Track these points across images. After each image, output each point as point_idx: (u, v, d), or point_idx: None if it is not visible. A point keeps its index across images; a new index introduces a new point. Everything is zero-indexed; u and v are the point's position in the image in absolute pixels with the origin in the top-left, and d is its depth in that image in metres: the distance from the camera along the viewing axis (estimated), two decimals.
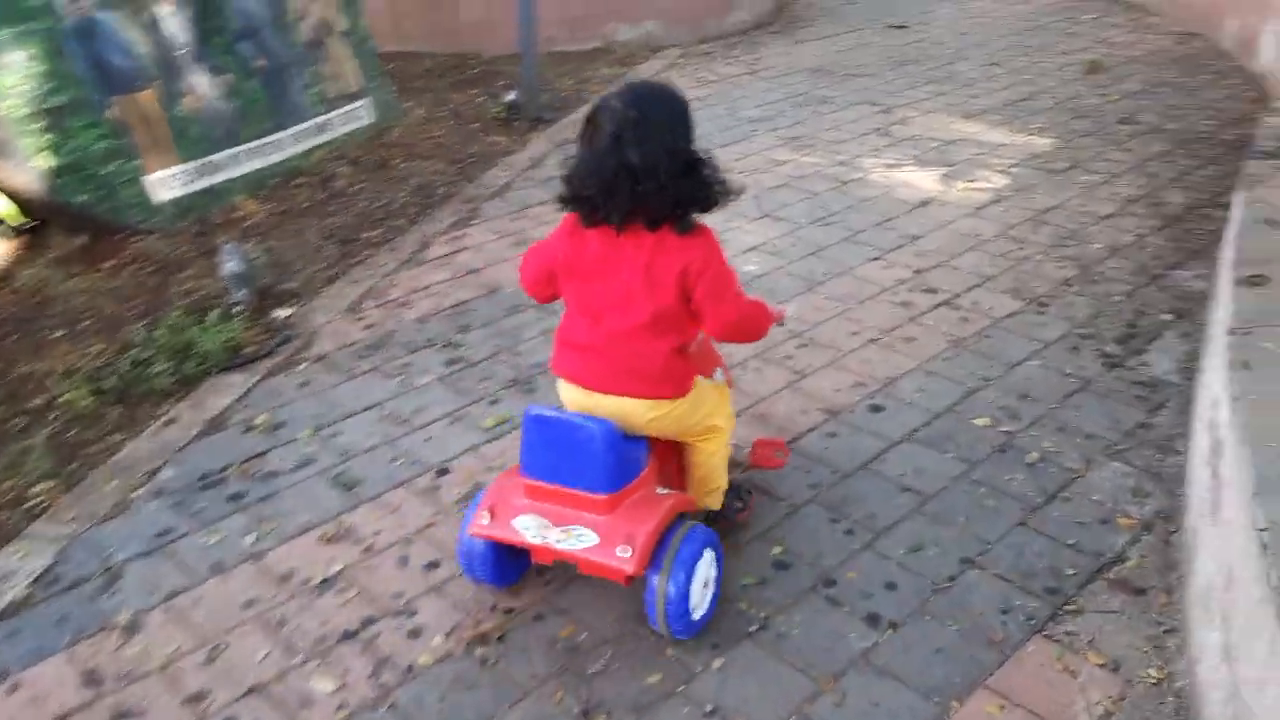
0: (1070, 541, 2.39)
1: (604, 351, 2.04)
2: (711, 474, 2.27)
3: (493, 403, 3.06)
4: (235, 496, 2.68)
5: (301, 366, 3.30)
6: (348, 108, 5.04)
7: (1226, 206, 4.15)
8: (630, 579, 2.03)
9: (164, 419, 3.03)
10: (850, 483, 2.63)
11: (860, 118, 5.62)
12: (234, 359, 3.29)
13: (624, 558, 1.97)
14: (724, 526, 2.36)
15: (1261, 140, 3.12)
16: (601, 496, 2.01)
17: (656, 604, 2.02)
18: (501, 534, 2.08)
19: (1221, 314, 2.39)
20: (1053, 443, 2.75)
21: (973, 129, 5.34)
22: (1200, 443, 2.24)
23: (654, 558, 2.02)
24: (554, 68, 6.62)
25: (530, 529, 2.05)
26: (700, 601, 2.09)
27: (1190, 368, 3.06)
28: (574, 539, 2.02)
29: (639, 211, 1.91)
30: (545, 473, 2.04)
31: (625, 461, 2.04)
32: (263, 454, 2.85)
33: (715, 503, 2.34)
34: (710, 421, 2.19)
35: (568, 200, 1.98)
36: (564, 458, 2.01)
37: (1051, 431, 2.80)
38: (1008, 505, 2.52)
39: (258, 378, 3.23)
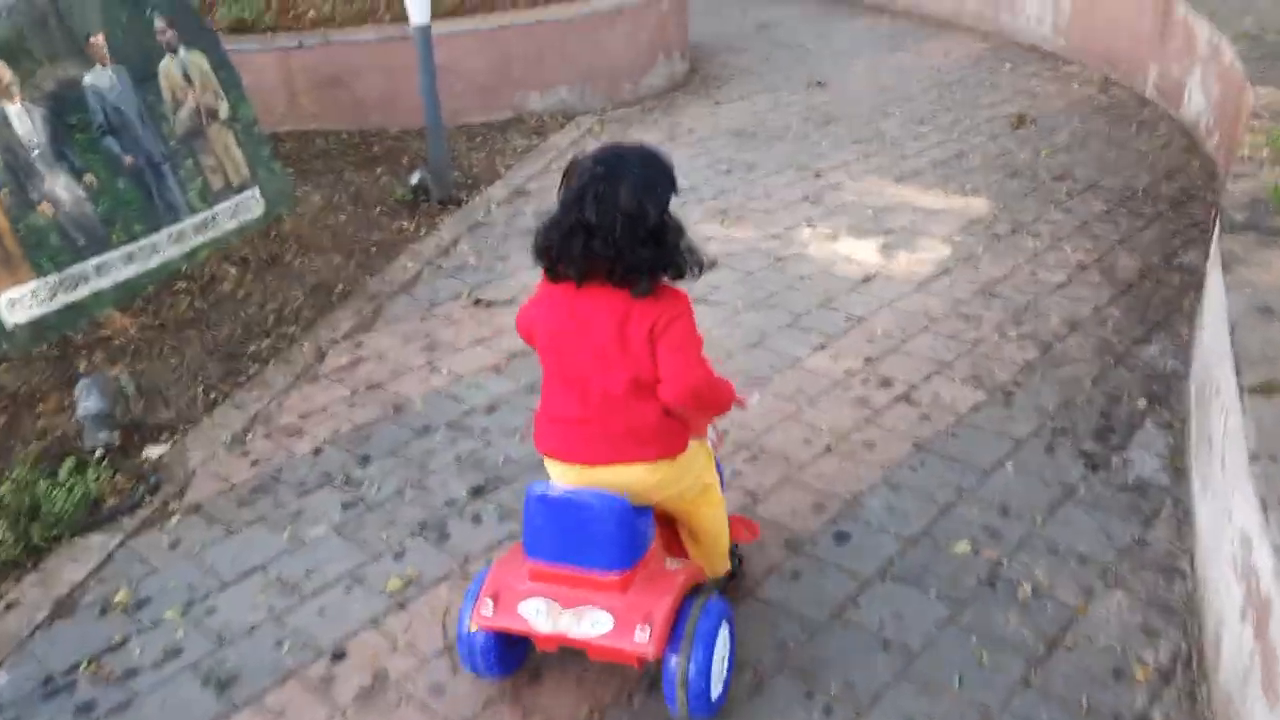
0: (1083, 701, 2.04)
1: (594, 421, 1.96)
2: (720, 534, 2.21)
3: (397, 556, 2.63)
4: (84, 708, 2.20)
5: (173, 520, 2.83)
6: (234, 200, 4.60)
7: (1180, 269, 3.95)
8: (643, 661, 1.94)
9: (2, 602, 2.53)
10: (822, 640, 2.26)
11: (790, 184, 5.37)
12: (91, 517, 2.80)
13: (642, 641, 1.87)
14: (730, 592, 2.26)
15: (1230, 209, 2.89)
16: (614, 575, 1.92)
17: (676, 686, 1.92)
18: (508, 623, 1.96)
19: (1231, 424, 2.10)
20: (1044, 571, 2.43)
21: (907, 193, 5.11)
22: (1229, 590, 1.93)
23: (671, 635, 1.91)
24: (463, 141, 6.27)
25: (540, 615, 1.94)
26: (718, 679, 1.99)
27: (1179, 466, 2.78)
28: (588, 624, 1.91)
29: (597, 269, 1.86)
30: (552, 554, 1.95)
31: (636, 536, 1.96)
32: (121, 644, 2.38)
33: (725, 566, 2.26)
34: (704, 480, 2.13)
35: (536, 252, 1.93)
36: (572, 537, 1.92)
37: (1041, 555, 2.48)
38: (1006, 660, 2.17)
39: (119, 539, 2.75)
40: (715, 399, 2.01)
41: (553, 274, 1.94)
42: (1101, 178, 5.14)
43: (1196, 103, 5.59)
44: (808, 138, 6.22)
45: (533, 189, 5.50)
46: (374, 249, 4.70)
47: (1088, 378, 3.28)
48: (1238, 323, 2.29)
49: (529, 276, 4.30)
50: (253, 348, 3.80)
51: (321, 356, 3.74)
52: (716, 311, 3.91)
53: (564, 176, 1.90)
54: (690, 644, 1.90)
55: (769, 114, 6.84)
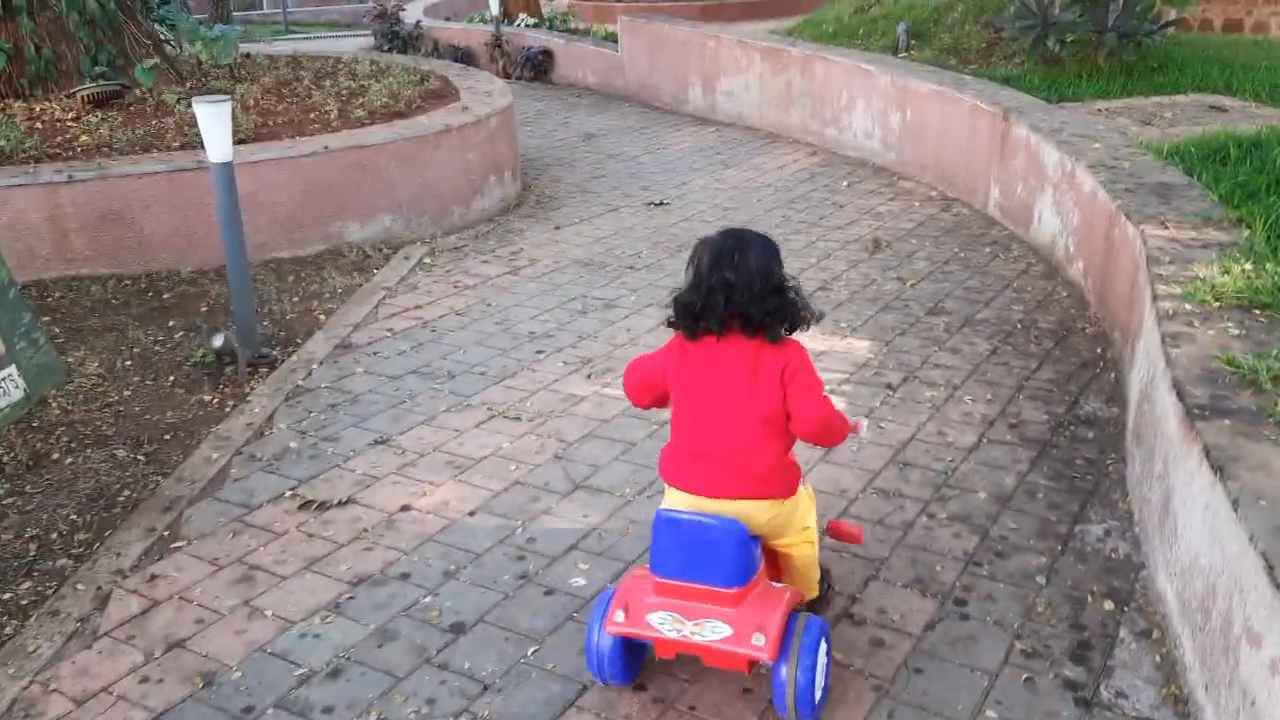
0: None
1: (722, 459, 2.28)
2: (811, 569, 2.52)
3: None
4: None
5: None
6: None
7: (1089, 422, 3.72)
8: (752, 666, 2.30)
9: None
10: None
11: (655, 324, 4.93)
12: None
13: (759, 645, 2.19)
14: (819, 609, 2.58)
15: (1187, 386, 2.62)
16: (732, 590, 2.22)
17: (786, 692, 2.23)
18: (638, 630, 2.27)
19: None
20: None
21: None
22: None
23: (780, 648, 2.21)
24: (272, 282, 5.52)
25: (665, 624, 2.25)
26: (819, 686, 2.29)
27: (1177, 694, 2.41)
28: (709, 631, 2.23)
29: (734, 321, 2.23)
30: (676, 571, 2.24)
31: (750, 557, 2.26)
32: None
33: (815, 591, 2.59)
34: (805, 522, 2.45)
35: (675, 318, 2.31)
36: (695, 556, 2.22)
37: None
38: None
39: None
40: (839, 430, 2.39)
41: (693, 331, 2.29)
42: (975, 310, 4.98)
43: (1049, 225, 5.58)
44: (662, 267, 5.84)
45: (361, 341, 4.81)
46: (168, 435, 3.88)
47: (1040, 573, 2.91)
48: (1270, 550, 1.94)
49: (369, 462, 3.61)
50: (7, 595, 2.93)
51: (103, 602, 2.91)
52: (600, 501, 3.36)
53: (694, 253, 2.30)
54: (797, 654, 2.22)
55: (615, 239, 6.44)
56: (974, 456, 3.57)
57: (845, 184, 7.65)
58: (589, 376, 4.36)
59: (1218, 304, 3.14)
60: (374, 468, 3.63)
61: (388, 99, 7.00)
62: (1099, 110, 6.46)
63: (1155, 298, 3.27)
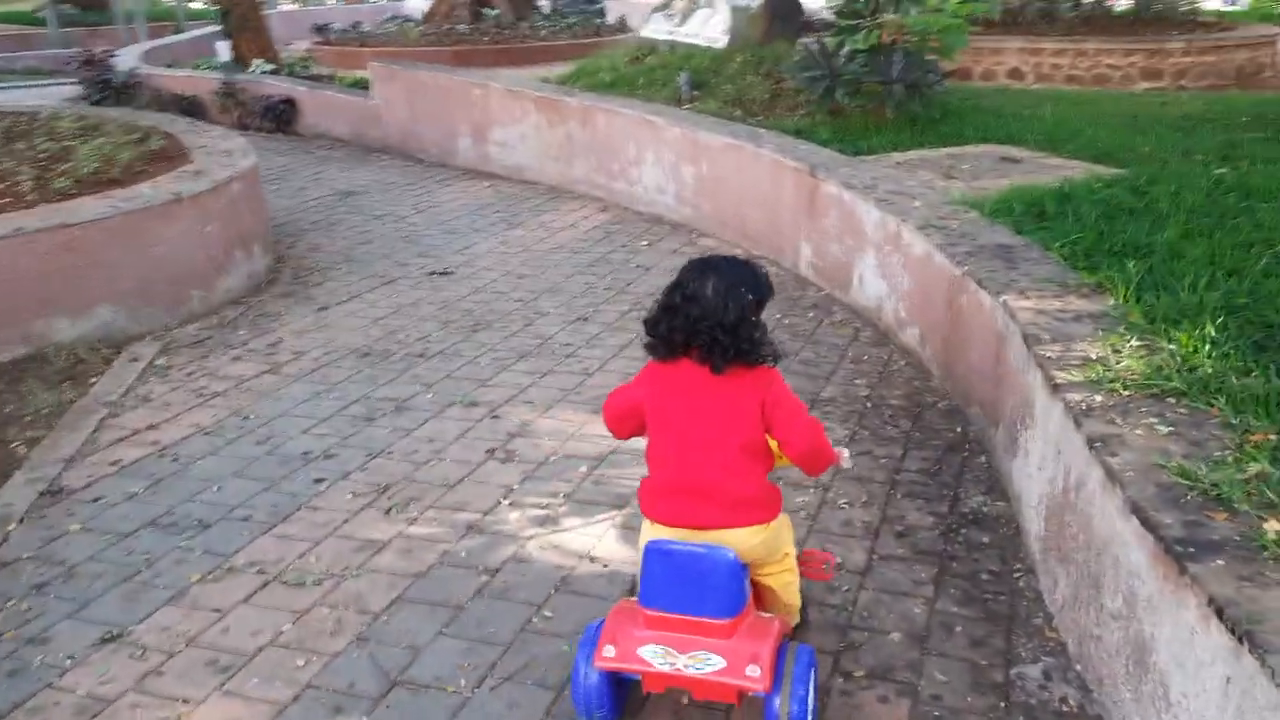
0: None
1: (705, 490, 2.31)
2: (793, 596, 2.59)
3: None
4: None
5: None
6: None
7: (975, 521, 3.35)
8: (742, 697, 2.32)
9: None
10: None
11: (462, 431, 4.20)
12: None
13: (755, 676, 2.21)
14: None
15: (1152, 513, 2.23)
16: (725, 621, 2.24)
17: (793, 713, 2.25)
18: (629, 664, 2.27)
19: None
20: None
21: (585, 446, 4.16)
22: None
23: (773, 679, 2.24)
24: None
25: (657, 657, 2.26)
26: (810, 713, 2.30)
27: None
28: (702, 664, 2.24)
29: (698, 347, 2.29)
30: (668, 603, 2.25)
31: (743, 587, 2.29)
32: None
33: (797, 618, 2.67)
34: (785, 548, 2.52)
35: (657, 339, 2.36)
36: (687, 587, 2.23)
37: None
38: None
39: None
40: (825, 457, 2.45)
41: (670, 354, 2.33)
42: (818, 387, 4.59)
43: (874, 288, 5.33)
44: (458, 354, 5.11)
45: (76, 484, 3.78)
46: None
47: None
48: None
49: (93, 675, 2.66)
50: None
51: None
52: (424, 705, 2.59)
53: (667, 286, 2.39)
54: (789, 684, 2.26)
55: (396, 320, 5.65)
56: (871, 581, 3.09)
57: (645, 243, 7.22)
58: (389, 511, 3.57)
59: (1127, 392, 2.82)
60: (103, 683, 2.69)
61: (100, 164, 5.87)
62: (897, 163, 6.36)
63: (1057, 386, 2.92)
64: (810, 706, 2.31)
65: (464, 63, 13.62)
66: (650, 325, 2.36)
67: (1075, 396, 2.85)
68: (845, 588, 3.06)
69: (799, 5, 9.99)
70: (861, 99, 7.31)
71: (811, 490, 3.65)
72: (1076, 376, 2.96)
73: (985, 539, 3.30)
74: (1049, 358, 3.13)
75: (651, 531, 2.38)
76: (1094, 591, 2.54)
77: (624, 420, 2.47)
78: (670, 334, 2.32)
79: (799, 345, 5.10)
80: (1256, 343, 3.07)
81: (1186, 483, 2.34)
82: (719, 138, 7.14)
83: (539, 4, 20.57)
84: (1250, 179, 5.35)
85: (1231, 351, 2.97)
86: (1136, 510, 2.27)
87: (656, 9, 10.04)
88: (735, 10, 9.00)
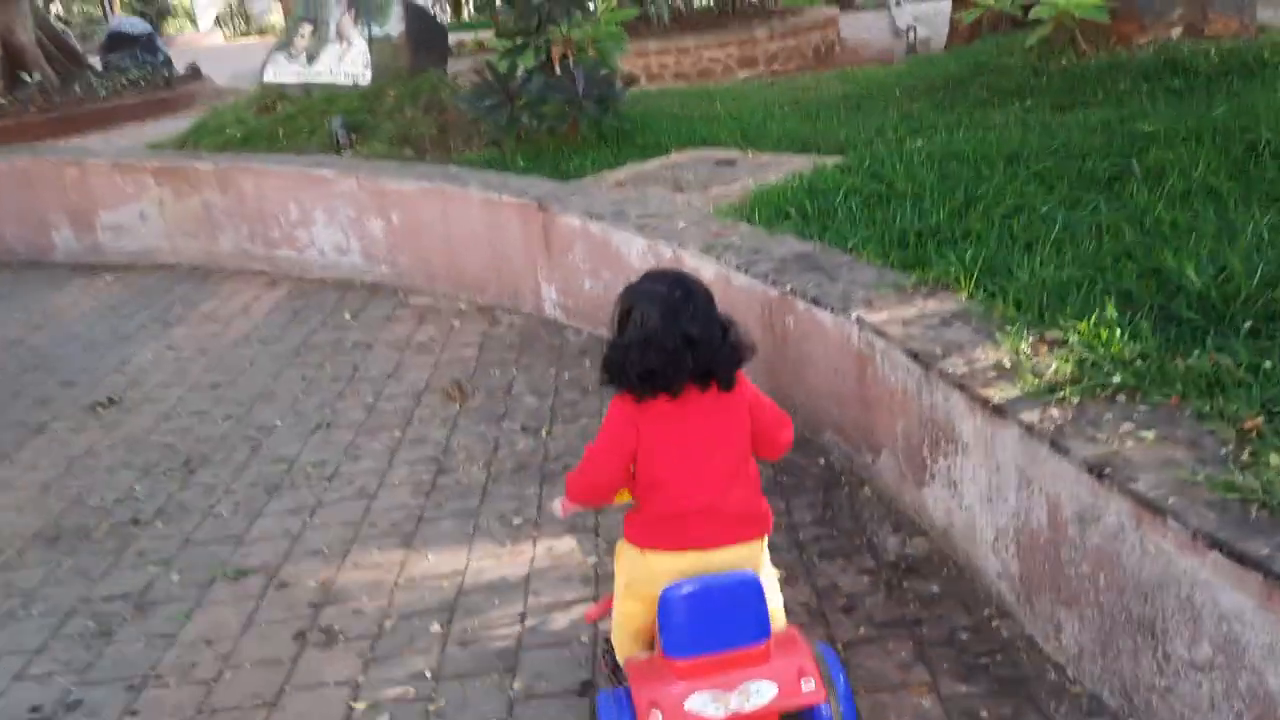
0: None
1: (721, 506, 2.23)
2: (779, 600, 2.43)
3: None
4: None
5: None
6: None
7: (911, 571, 3.05)
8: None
9: None
10: None
11: (246, 618, 3.28)
12: None
13: (813, 690, 2.13)
14: None
15: (1243, 549, 1.99)
16: (762, 645, 2.14)
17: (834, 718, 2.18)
18: None
19: None
20: None
21: (431, 564, 3.42)
22: None
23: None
24: None
25: (710, 705, 2.10)
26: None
27: None
28: (756, 695, 2.11)
29: (694, 376, 2.19)
30: (703, 644, 2.11)
31: (766, 604, 2.17)
32: None
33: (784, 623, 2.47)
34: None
35: (623, 380, 2.21)
36: (721, 621, 2.11)
37: None
38: None
39: None
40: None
41: (645, 393, 2.20)
42: None
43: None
44: (184, 508, 4.06)
45: None
46: None
47: None
48: None
49: None
50: None
51: None
52: None
53: (625, 311, 2.24)
54: (830, 685, 2.18)
55: (74, 480, 4.43)
56: (856, 682, 2.66)
57: (348, 316, 6.33)
58: None
59: (1076, 399, 2.62)
60: None
61: None
62: (618, 183, 6.02)
63: (998, 408, 2.66)
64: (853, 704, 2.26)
65: (9, 139, 11.43)
66: (647, 375, 2.17)
67: (1030, 416, 2.59)
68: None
69: (443, 30, 9.41)
70: (551, 121, 6.90)
71: None
72: (1011, 391, 2.72)
73: (934, 588, 3.00)
74: (958, 374, 2.88)
75: (657, 562, 2.26)
76: (1146, 639, 2.29)
77: (619, 479, 2.28)
78: (678, 371, 2.17)
79: (596, 402, 4.57)
80: (1153, 314, 3.00)
81: (1234, 495, 2.13)
82: (410, 183, 6.42)
83: (88, 61, 18.05)
84: (955, 146, 5.57)
85: (1140, 330, 2.87)
86: (1217, 544, 2.02)
87: (276, 49, 8.97)
88: (375, 42, 8.23)
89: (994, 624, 2.80)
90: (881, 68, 10.56)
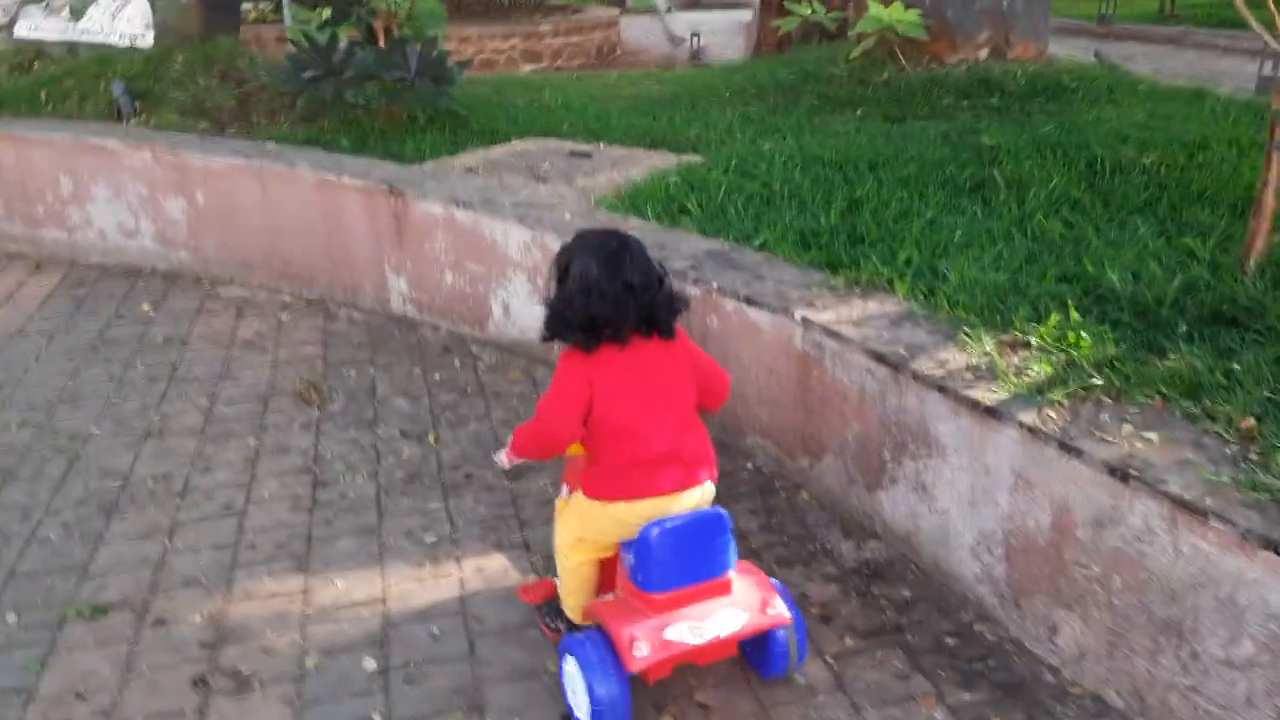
0: None
1: (679, 452, 2.39)
2: None
3: None
4: None
5: None
6: None
7: (875, 576, 3.03)
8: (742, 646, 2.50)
9: None
10: None
11: (124, 666, 2.75)
12: None
13: (781, 611, 2.39)
14: None
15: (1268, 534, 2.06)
16: (728, 576, 2.39)
17: (791, 646, 2.47)
18: (667, 653, 2.27)
19: None
20: None
21: (332, 596, 3.05)
22: None
23: None
24: None
25: (686, 634, 2.29)
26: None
27: None
28: (728, 621, 2.33)
29: (639, 324, 2.34)
30: (679, 578, 2.31)
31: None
32: None
33: None
34: None
35: (570, 331, 2.34)
36: (695, 555, 2.32)
37: None
38: None
39: None
40: None
41: (597, 342, 2.33)
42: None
43: (530, 319, 4.68)
44: (1, 534, 3.39)
45: None
46: None
47: None
48: None
49: None
50: None
51: None
52: None
53: (564, 262, 2.38)
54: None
55: None
56: (860, 696, 2.58)
57: (146, 307, 5.61)
58: None
59: (1066, 402, 2.67)
60: None
61: None
62: (468, 169, 5.69)
63: (990, 410, 2.67)
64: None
65: None
66: (589, 321, 2.30)
67: (1027, 418, 2.60)
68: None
69: None
70: (378, 99, 6.43)
71: None
72: (998, 393, 2.73)
73: (906, 593, 2.96)
74: (934, 375, 2.86)
75: (622, 510, 2.37)
76: (1169, 639, 2.33)
77: (574, 432, 2.39)
78: (622, 317, 2.30)
79: (479, 407, 4.26)
80: (1111, 318, 3.11)
81: (1264, 495, 2.21)
82: (221, 159, 5.78)
83: None
84: (812, 150, 5.68)
85: (1102, 334, 2.96)
86: (1270, 544, 2.08)
87: (27, 1, 7.88)
88: (159, 0, 7.39)
89: (976, 628, 2.80)
90: (692, 70, 10.70)
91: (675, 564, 2.29)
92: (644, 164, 5.66)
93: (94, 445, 3.99)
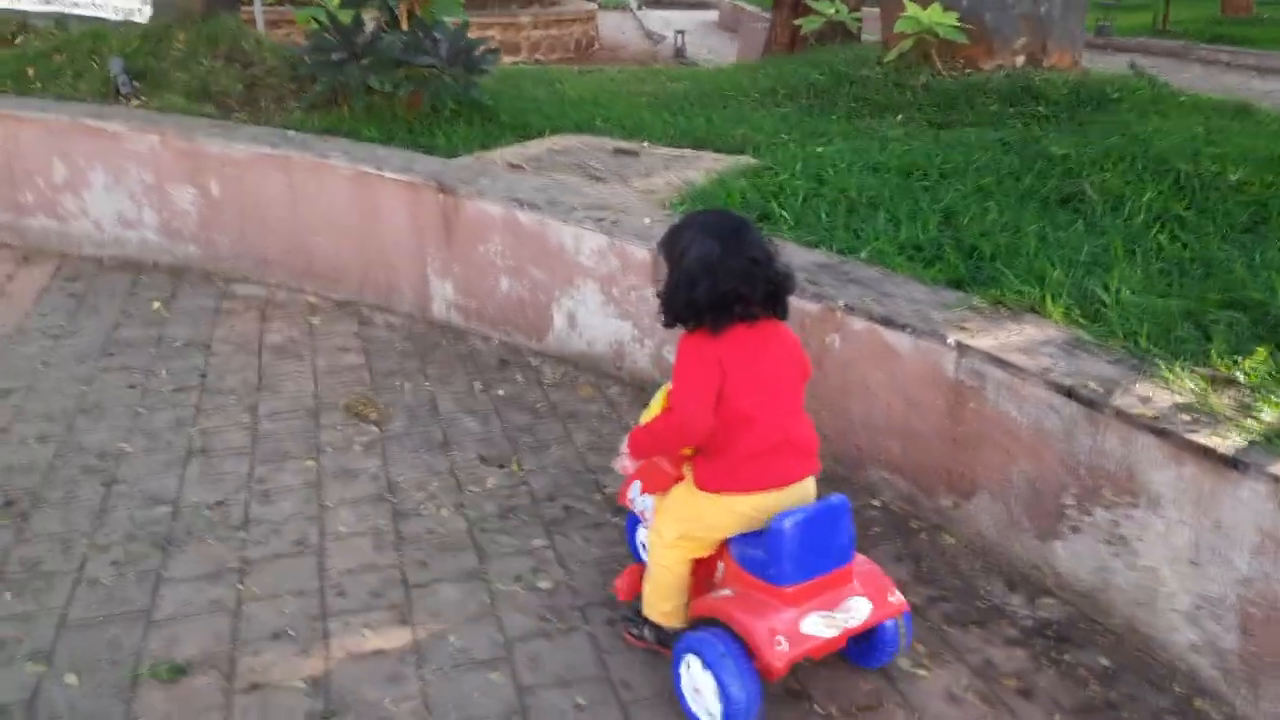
0: None
1: (793, 439, 2.32)
2: None
3: None
4: None
5: None
6: None
7: (1057, 638, 2.72)
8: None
9: None
10: None
11: None
12: None
13: (899, 601, 2.38)
14: None
15: None
16: (850, 565, 2.33)
17: (900, 633, 2.44)
18: (805, 649, 2.22)
19: None
20: None
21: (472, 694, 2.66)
22: None
23: None
24: None
25: (822, 626, 2.24)
26: None
27: None
28: (855, 613, 2.29)
29: (765, 299, 2.27)
30: (810, 570, 2.24)
31: None
32: None
33: None
34: None
35: (697, 313, 2.24)
36: (823, 546, 2.26)
37: None
38: None
39: None
40: None
41: (728, 321, 2.24)
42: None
43: (602, 330, 4.31)
44: (36, 571, 2.95)
45: None
46: None
47: None
48: None
49: None
50: None
51: None
52: None
53: (679, 247, 2.29)
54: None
55: None
56: None
57: (156, 305, 5.14)
58: None
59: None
60: None
61: None
62: (511, 165, 5.30)
63: (1228, 462, 2.37)
64: None
65: None
66: (717, 295, 2.21)
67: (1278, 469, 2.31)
68: None
69: None
70: (408, 86, 6.00)
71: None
72: (1233, 439, 2.43)
73: (1104, 661, 2.65)
74: (1142, 415, 2.56)
75: (740, 503, 2.30)
76: None
77: (711, 420, 2.26)
78: (751, 291, 2.23)
79: (555, 428, 3.88)
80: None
81: None
82: (241, 146, 5.32)
83: None
84: (871, 156, 5.39)
85: None
86: None
87: None
88: None
89: (1195, 704, 2.49)
90: (706, 69, 10.37)
91: (807, 555, 2.24)
92: (699, 165, 5.32)
93: (129, 466, 3.55)
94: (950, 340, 3.04)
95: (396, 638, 2.68)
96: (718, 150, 5.81)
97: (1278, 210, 4.33)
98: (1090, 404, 2.67)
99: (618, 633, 2.70)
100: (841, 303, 3.36)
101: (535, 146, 5.77)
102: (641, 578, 2.55)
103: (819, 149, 5.73)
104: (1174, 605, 2.56)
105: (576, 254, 4.26)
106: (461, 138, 5.78)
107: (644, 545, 2.74)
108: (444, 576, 2.95)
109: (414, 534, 3.16)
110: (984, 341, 3.02)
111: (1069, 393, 2.72)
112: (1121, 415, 2.59)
